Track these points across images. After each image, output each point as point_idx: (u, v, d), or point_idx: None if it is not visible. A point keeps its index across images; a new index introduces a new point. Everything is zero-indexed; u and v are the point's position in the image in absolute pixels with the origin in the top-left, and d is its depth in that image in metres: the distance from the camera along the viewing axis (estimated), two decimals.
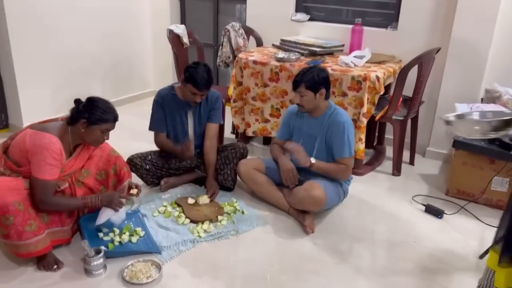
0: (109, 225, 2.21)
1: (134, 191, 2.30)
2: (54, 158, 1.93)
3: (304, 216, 2.44)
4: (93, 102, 2.03)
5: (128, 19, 4.24)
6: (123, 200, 2.16)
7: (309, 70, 2.41)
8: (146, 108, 4.26)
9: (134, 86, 4.52)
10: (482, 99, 3.09)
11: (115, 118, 2.08)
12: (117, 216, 2.16)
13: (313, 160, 2.42)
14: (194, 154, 2.71)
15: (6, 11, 3.23)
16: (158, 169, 2.74)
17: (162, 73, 4.65)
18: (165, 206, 2.56)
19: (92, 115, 1.99)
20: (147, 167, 2.69)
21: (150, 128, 2.79)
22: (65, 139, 2.02)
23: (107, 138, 2.12)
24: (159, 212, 2.51)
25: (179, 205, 2.57)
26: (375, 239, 2.38)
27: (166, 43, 4.46)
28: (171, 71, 4.60)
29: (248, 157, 2.84)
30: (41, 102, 3.60)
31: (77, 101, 2.04)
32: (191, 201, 2.58)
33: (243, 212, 2.54)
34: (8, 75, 3.44)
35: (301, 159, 2.41)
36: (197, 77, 2.54)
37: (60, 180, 2.06)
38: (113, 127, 2.10)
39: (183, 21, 4.47)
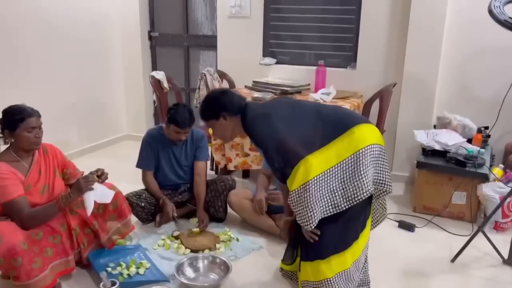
0: (115, 260, 2.33)
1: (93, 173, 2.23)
2: (4, 178, 2.01)
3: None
4: (4, 113, 2.12)
5: (100, 66, 4.41)
6: (90, 176, 2.14)
7: None
8: (121, 152, 4.46)
9: (107, 131, 4.64)
10: (434, 126, 3.52)
11: (29, 114, 2.10)
12: (99, 195, 2.14)
13: None
14: (172, 217, 2.83)
15: None
16: (152, 206, 2.88)
17: (134, 117, 4.82)
18: (163, 240, 2.70)
19: (7, 124, 2.09)
20: (142, 204, 2.83)
21: (138, 166, 2.95)
22: (12, 158, 2.11)
23: (39, 136, 2.13)
24: (158, 246, 2.64)
25: (176, 238, 2.72)
26: None
27: (137, 89, 4.71)
28: (143, 116, 4.79)
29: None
30: None
31: None
32: (188, 233, 2.74)
33: (237, 240, 2.73)
34: None
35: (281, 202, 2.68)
36: (179, 117, 2.76)
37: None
38: (36, 123, 2.11)
39: (154, 68, 4.70)
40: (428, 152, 3.16)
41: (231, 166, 3.57)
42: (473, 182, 2.94)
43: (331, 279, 1.94)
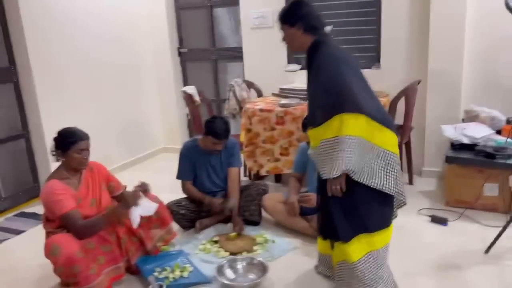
0: (161, 265, 2.51)
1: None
2: (59, 193, 2.23)
3: None
4: (58, 135, 2.35)
5: (135, 85, 4.67)
6: (136, 192, 2.33)
7: None
8: (159, 164, 4.68)
9: (145, 145, 4.89)
10: (463, 119, 3.54)
11: (81, 137, 2.33)
12: (144, 209, 2.35)
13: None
14: (220, 207, 3.01)
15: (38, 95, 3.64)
16: (191, 213, 3.06)
17: (169, 131, 5.05)
18: (204, 244, 2.86)
19: (61, 145, 2.31)
20: (182, 212, 3.01)
21: (178, 177, 3.14)
22: (64, 175, 2.33)
23: (87, 157, 2.36)
24: (199, 250, 2.80)
25: (215, 242, 2.87)
26: (392, 250, 2.71)
27: (170, 104, 4.93)
28: (177, 129, 5.01)
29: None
30: None
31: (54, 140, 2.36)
32: (226, 237, 2.89)
33: (273, 241, 2.85)
34: (39, 146, 3.77)
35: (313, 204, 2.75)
36: (217, 129, 2.94)
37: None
38: (85, 145, 2.34)
39: (185, 83, 4.92)
40: (456, 146, 3.19)
41: (263, 172, 3.71)
42: (504, 173, 2.95)
43: (365, 257, 2.04)
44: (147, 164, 4.77)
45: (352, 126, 1.90)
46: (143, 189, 2.41)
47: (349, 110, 1.89)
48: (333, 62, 1.97)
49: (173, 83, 4.86)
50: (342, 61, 1.98)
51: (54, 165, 2.43)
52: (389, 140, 2.00)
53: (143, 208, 2.37)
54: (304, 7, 2.07)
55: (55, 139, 2.36)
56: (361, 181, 1.96)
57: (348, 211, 2.03)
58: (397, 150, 2.03)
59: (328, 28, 2.16)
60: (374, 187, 1.98)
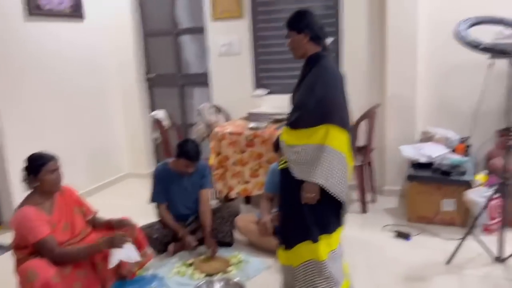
0: None
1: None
2: (33, 219, 2.21)
3: None
4: (26, 161, 2.34)
5: (101, 110, 4.64)
6: (124, 237, 2.35)
7: None
8: (125, 190, 4.65)
9: (110, 171, 4.83)
10: (420, 140, 3.78)
11: (50, 158, 2.34)
12: (126, 255, 2.35)
13: None
14: (193, 245, 3.04)
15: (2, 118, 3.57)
16: (164, 236, 3.07)
17: (135, 157, 5.02)
18: (178, 267, 2.87)
19: (31, 169, 2.31)
20: (155, 236, 3.01)
21: (152, 200, 3.16)
22: (37, 201, 2.31)
23: (60, 177, 2.37)
24: (174, 273, 2.81)
25: (190, 264, 2.89)
26: (358, 265, 2.84)
27: (137, 129, 4.92)
28: (143, 154, 4.99)
29: None
30: None
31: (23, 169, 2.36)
32: (200, 259, 2.92)
33: (247, 261, 2.91)
34: (1, 172, 3.67)
35: None
36: (189, 151, 3.00)
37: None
38: (55, 165, 2.35)
39: (152, 108, 4.94)
40: (415, 165, 3.41)
41: (233, 194, 3.77)
42: (459, 189, 3.17)
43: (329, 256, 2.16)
44: (113, 189, 4.71)
45: (337, 139, 2.06)
46: (131, 235, 2.46)
47: (337, 123, 2.05)
48: (332, 76, 2.13)
49: (139, 109, 4.88)
50: (339, 79, 2.15)
51: (16, 190, 2.39)
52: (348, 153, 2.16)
53: (125, 254, 2.36)
54: (311, 16, 2.18)
55: (25, 166, 2.34)
56: (331, 192, 2.09)
57: (317, 211, 2.15)
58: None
59: (329, 40, 2.29)
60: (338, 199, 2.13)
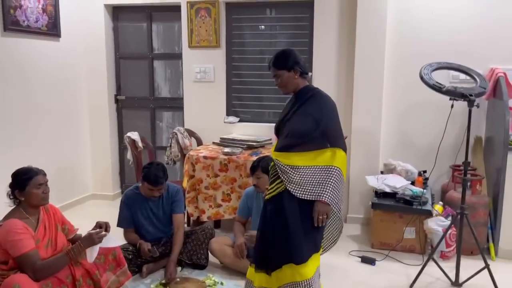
0: None
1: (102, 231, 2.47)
2: (20, 232, 2.20)
3: None
4: (13, 175, 2.36)
5: (68, 129, 4.57)
6: (101, 232, 2.39)
7: (263, 158, 3.10)
8: (89, 211, 4.57)
9: (75, 191, 4.73)
10: (381, 172, 4.05)
11: (36, 172, 2.36)
12: (105, 243, 2.38)
13: None
14: (151, 255, 3.04)
15: None
16: (138, 258, 3.07)
17: (100, 177, 4.95)
18: (155, 287, 2.87)
19: (17, 183, 2.32)
20: (130, 257, 3.00)
21: (118, 225, 3.17)
22: (23, 215, 2.30)
23: (46, 191, 2.38)
24: None
25: (164, 286, 2.90)
26: None
27: (104, 150, 4.88)
28: (109, 175, 4.94)
29: None
30: None
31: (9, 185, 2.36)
32: (176, 280, 2.94)
33: (222, 283, 2.97)
34: None
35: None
36: (151, 175, 3.04)
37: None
38: (43, 179, 2.36)
39: (120, 129, 4.94)
40: (380, 194, 3.64)
41: (204, 217, 3.83)
42: (420, 218, 3.42)
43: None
44: (77, 210, 4.60)
45: (342, 160, 2.30)
46: (106, 227, 2.47)
47: (342, 146, 2.33)
48: (333, 105, 2.37)
49: (108, 130, 4.86)
50: (336, 107, 2.41)
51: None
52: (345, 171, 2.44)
53: (104, 243, 2.38)
54: (296, 55, 2.37)
55: (11, 182, 2.33)
56: (336, 212, 2.34)
57: (307, 234, 2.27)
58: None
59: (310, 74, 2.55)
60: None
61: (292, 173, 2.27)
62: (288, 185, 2.27)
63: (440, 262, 3.24)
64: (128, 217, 3.15)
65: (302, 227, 2.26)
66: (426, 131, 3.99)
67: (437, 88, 2.91)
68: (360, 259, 3.38)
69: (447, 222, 3.32)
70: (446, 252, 3.36)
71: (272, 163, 2.41)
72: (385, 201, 3.56)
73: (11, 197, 2.31)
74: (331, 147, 2.31)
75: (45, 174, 2.38)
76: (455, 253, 3.25)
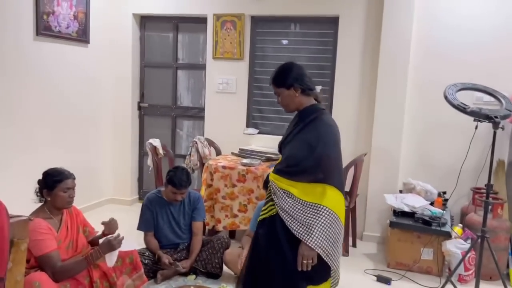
0: None
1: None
2: (43, 233, 2.24)
3: None
4: (44, 174, 2.40)
5: (93, 132, 4.67)
6: (119, 237, 2.41)
7: None
8: (108, 214, 4.58)
9: (93, 194, 4.80)
10: (400, 191, 4.01)
11: (67, 176, 2.40)
12: (124, 246, 2.42)
13: None
14: (170, 263, 3.06)
15: None
16: (154, 264, 3.09)
17: (119, 181, 5.02)
18: None
19: (47, 183, 2.35)
20: (146, 262, 3.03)
21: (139, 228, 3.21)
22: (46, 215, 2.35)
23: (72, 196, 2.41)
24: None
25: None
26: None
27: (124, 155, 4.94)
28: (128, 180, 5.00)
29: None
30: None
31: (38, 182, 2.41)
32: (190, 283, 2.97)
33: None
34: None
35: None
36: (176, 179, 3.09)
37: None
38: (72, 184, 2.40)
39: (142, 136, 5.02)
40: (398, 213, 3.60)
41: (219, 227, 3.84)
42: (438, 239, 3.37)
43: None
44: (95, 213, 4.65)
45: (334, 200, 2.02)
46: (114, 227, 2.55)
47: (335, 185, 2.03)
48: (333, 135, 2.09)
49: (129, 135, 4.93)
50: (338, 136, 2.13)
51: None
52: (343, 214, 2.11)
53: (124, 246, 2.43)
54: (297, 69, 2.12)
55: (41, 179, 2.38)
56: (326, 260, 2.03)
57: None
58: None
59: (318, 88, 2.33)
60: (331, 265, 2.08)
61: (284, 200, 2.06)
62: (280, 211, 2.07)
63: (458, 285, 3.19)
64: (149, 220, 3.19)
65: (294, 260, 2.04)
66: (447, 152, 3.95)
67: (462, 108, 2.88)
68: (375, 277, 3.34)
69: (467, 245, 3.26)
70: (464, 275, 3.29)
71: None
72: (404, 220, 3.52)
73: (38, 194, 2.36)
74: (323, 182, 2.01)
75: (74, 179, 2.44)
76: (473, 277, 3.20)
